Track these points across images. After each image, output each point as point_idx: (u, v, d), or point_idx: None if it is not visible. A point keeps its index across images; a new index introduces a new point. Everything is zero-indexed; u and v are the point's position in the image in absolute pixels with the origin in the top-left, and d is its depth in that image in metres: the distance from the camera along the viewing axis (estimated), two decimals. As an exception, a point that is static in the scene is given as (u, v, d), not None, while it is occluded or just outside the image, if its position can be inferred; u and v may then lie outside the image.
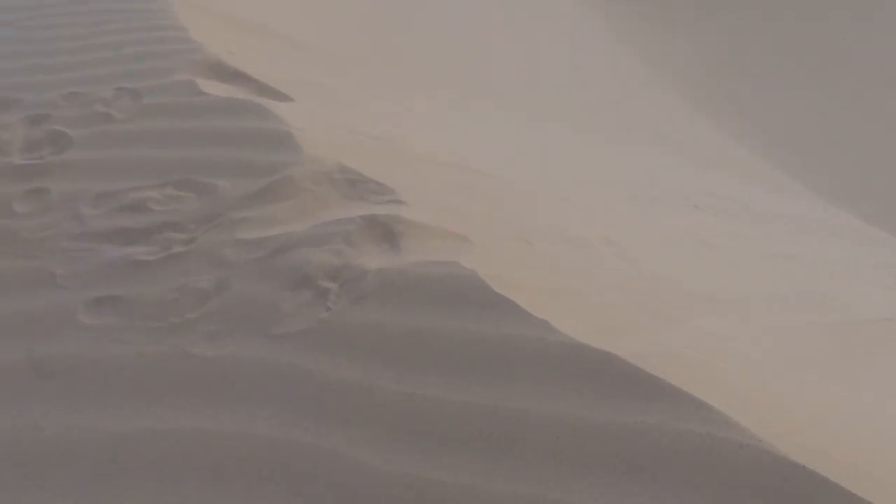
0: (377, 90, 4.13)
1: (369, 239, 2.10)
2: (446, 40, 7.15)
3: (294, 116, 2.72)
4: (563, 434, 1.52)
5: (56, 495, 1.67)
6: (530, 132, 5.42)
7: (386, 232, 2.12)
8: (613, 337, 1.73)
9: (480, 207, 2.53)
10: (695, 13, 10.66)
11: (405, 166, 2.65)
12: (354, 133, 2.86)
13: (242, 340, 1.89)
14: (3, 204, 2.54)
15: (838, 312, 2.89)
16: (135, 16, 3.64)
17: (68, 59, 3.38)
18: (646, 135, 7.27)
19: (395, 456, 1.55)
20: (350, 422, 1.63)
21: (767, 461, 1.40)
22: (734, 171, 7.34)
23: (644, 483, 1.41)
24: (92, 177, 2.55)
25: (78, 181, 2.55)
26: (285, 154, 2.48)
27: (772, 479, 1.37)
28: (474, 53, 7.27)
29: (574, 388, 1.59)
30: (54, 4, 4.07)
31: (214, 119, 2.71)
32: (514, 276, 1.99)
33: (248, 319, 1.94)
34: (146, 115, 2.84)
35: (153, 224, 2.32)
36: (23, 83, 3.25)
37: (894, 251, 4.41)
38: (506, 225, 2.40)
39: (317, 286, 1.98)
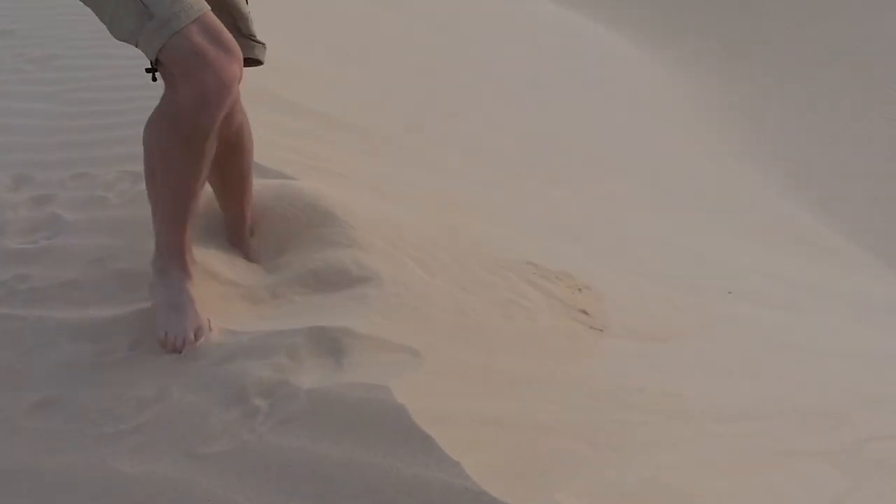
0: (404, 169, 4.10)
1: (313, 353, 2.06)
2: (514, 121, 7.10)
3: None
4: None
5: None
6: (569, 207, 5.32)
7: (332, 346, 2.07)
8: (525, 483, 1.64)
9: (452, 313, 2.46)
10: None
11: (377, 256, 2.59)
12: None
13: (163, 457, 1.86)
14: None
15: (844, 431, 2.70)
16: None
17: (84, 136, 3.45)
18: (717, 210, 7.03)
19: None
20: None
21: None
22: (816, 249, 7.05)
23: None
24: (70, 266, 2.57)
25: (57, 269, 2.58)
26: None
27: None
28: (535, 127, 7.21)
29: (468, 542, 1.51)
30: (90, 79, 4.17)
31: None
32: (450, 402, 1.91)
33: (175, 434, 1.91)
34: (138, 202, 2.86)
35: (111, 319, 2.31)
36: (42, 161, 3.31)
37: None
38: (469, 336, 2.33)
39: (249, 403, 1.94)
